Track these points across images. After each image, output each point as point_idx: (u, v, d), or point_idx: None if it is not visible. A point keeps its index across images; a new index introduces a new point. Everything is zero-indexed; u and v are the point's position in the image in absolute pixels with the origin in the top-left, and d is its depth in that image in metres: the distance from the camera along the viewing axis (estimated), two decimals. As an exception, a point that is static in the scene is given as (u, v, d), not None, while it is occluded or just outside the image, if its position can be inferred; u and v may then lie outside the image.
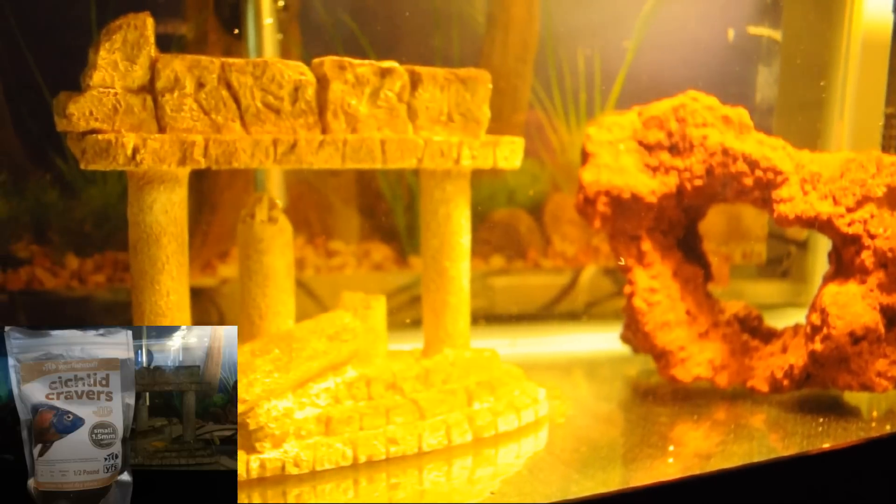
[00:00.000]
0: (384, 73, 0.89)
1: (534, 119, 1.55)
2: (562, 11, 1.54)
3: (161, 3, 1.35)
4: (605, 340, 1.34)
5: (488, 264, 1.53)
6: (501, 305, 1.47)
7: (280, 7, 1.33)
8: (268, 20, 1.28)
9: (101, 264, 1.33)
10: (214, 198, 1.37)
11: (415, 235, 1.48)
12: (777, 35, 1.53)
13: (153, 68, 0.80)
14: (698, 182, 1.09)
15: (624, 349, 1.23)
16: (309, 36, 1.42)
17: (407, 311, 1.38)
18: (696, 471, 0.86)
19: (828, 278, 1.06)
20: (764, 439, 0.95)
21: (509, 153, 0.97)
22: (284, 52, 1.34)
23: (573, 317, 1.51)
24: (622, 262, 1.12)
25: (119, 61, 0.78)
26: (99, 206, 1.32)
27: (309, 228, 1.47)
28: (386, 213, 1.48)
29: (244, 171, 1.28)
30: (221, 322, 1.37)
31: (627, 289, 1.12)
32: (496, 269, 1.51)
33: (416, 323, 1.25)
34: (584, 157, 1.13)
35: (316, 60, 0.88)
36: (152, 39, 0.80)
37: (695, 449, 0.93)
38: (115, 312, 1.31)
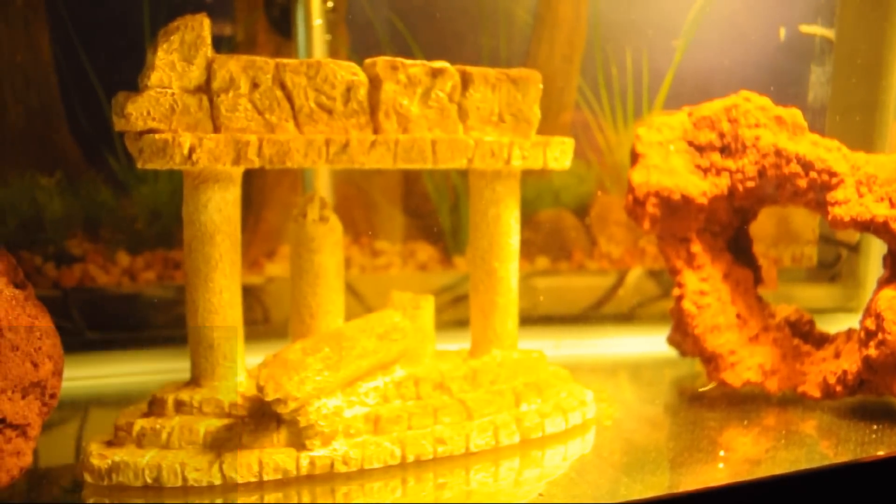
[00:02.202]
0: (436, 74, 0.89)
1: (580, 119, 1.54)
2: (609, 11, 1.53)
3: (212, 5, 1.37)
4: (650, 343, 1.33)
5: (533, 265, 1.52)
6: (545, 306, 1.47)
7: (329, 8, 1.34)
8: (317, 21, 1.29)
9: (152, 262, 1.35)
10: (262, 197, 1.39)
11: (460, 236, 1.48)
12: (830, 34, 1.50)
13: (209, 69, 0.81)
14: (750, 184, 1.07)
15: (670, 352, 1.22)
16: (356, 36, 1.43)
17: (450, 311, 1.38)
18: (745, 477, 0.85)
19: (883, 283, 1.04)
20: (815, 446, 0.93)
21: (559, 153, 0.96)
22: (332, 52, 1.35)
23: (618, 319, 1.50)
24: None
25: (176, 62, 0.79)
26: (150, 204, 1.34)
27: (355, 228, 1.48)
28: (431, 213, 1.48)
29: (291, 170, 1.29)
30: (267, 320, 1.38)
31: (676, 291, 1.10)
32: (541, 269, 1.51)
33: (456, 322, 1.25)
34: (634, 157, 1.12)
35: (368, 61, 0.88)
36: (209, 40, 0.81)
37: (744, 454, 0.91)
38: (164, 309, 1.33)
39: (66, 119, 1.34)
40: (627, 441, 0.96)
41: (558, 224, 1.53)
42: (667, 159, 1.10)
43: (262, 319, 1.38)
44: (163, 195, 1.34)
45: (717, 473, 0.85)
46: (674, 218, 1.09)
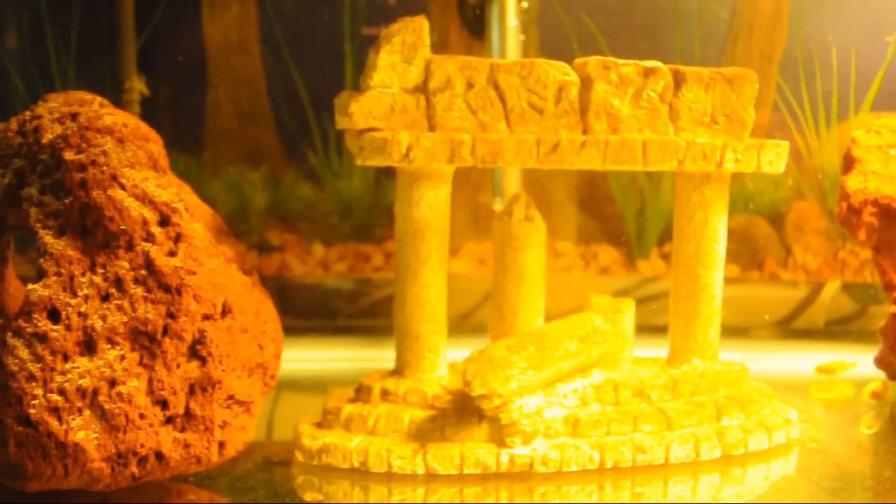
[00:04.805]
0: (648, 73, 0.87)
1: (777, 120, 1.46)
2: (814, 5, 1.44)
3: (406, 7, 1.42)
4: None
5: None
6: (734, 317, 1.40)
7: (523, 8, 1.34)
8: (512, 21, 1.30)
9: (344, 254, 1.42)
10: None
11: (644, 239, 1.45)
12: None
13: (427, 69, 0.83)
14: None
15: (871, 373, 1.13)
16: (546, 36, 1.43)
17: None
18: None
19: None
20: None
21: (774, 157, 0.92)
22: (524, 53, 1.36)
23: (811, 334, 1.42)
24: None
25: (397, 62, 0.82)
26: (344, 199, 1.41)
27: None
28: (616, 215, 1.46)
29: (478, 169, 1.31)
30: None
31: (893, 308, 1.02)
32: (730, 278, 1.45)
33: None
34: (849, 162, 1.05)
35: (579, 60, 0.88)
36: (427, 42, 0.84)
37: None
38: (353, 300, 1.39)
39: (272, 117, 1.43)
40: (836, 465, 0.90)
41: (750, 231, 1.46)
42: (887, 164, 1.02)
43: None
44: (356, 191, 1.40)
45: (944, 510, 0.78)
46: (893, 228, 1.01)
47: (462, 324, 1.42)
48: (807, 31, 1.44)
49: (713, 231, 0.92)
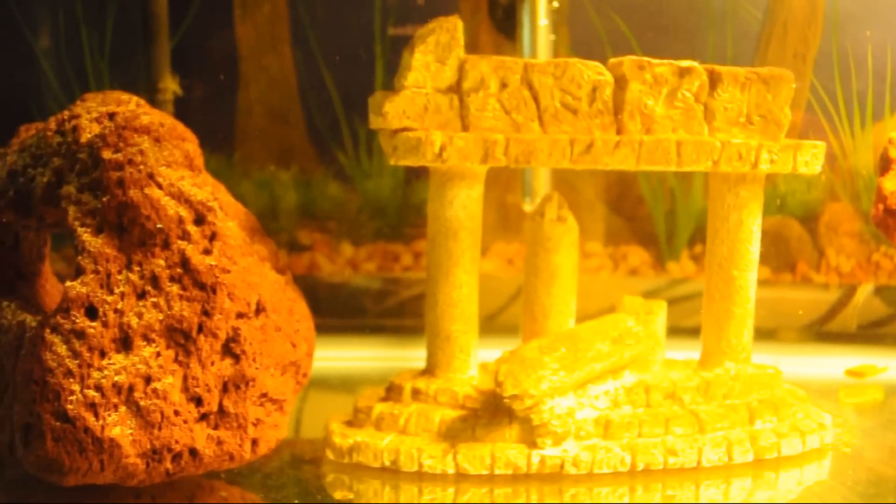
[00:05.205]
0: (683, 73, 0.87)
1: (810, 121, 1.44)
2: (850, 3, 1.42)
3: (436, 7, 1.42)
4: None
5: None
6: (764, 319, 1.39)
7: (554, 8, 1.34)
8: (543, 21, 1.30)
9: (373, 253, 1.43)
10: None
11: (674, 240, 1.44)
12: None
13: (461, 69, 0.84)
14: None
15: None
16: (576, 36, 1.43)
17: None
18: None
19: None
20: None
21: (810, 158, 0.91)
22: (554, 53, 1.36)
23: (844, 337, 1.40)
24: None
25: (431, 63, 0.83)
26: (374, 199, 1.41)
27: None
28: (646, 216, 1.45)
29: (507, 170, 1.31)
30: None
31: (931, 312, 1.01)
32: (761, 279, 1.43)
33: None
34: (886, 163, 1.03)
35: (613, 60, 0.87)
36: (461, 42, 0.84)
37: None
38: (381, 299, 1.39)
39: (302, 117, 1.44)
40: (870, 470, 0.89)
41: (783, 232, 1.45)
42: (925, 166, 1.00)
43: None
44: (385, 190, 1.41)
45: None
46: (932, 231, 1.00)
47: (489, 324, 1.42)
48: (842, 29, 1.42)
49: (747, 233, 0.92)
